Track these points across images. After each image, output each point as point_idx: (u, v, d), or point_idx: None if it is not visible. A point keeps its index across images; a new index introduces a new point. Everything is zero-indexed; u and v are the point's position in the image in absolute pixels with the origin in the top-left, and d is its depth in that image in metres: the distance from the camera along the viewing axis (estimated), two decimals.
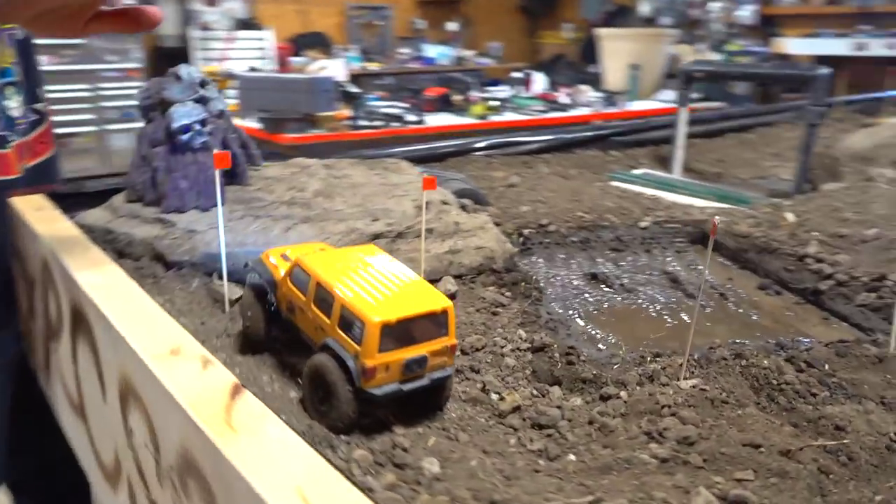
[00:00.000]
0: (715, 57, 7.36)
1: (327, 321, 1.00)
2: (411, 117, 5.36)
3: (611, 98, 6.50)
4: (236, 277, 1.39)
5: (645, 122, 2.96)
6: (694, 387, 1.06)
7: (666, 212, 1.96)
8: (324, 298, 1.01)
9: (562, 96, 6.55)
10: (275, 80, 4.94)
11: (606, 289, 1.63)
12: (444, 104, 6.15)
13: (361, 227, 1.54)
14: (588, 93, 6.65)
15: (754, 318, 1.46)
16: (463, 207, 1.82)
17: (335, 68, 5.84)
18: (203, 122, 1.54)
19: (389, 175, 1.90)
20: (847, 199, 1.91)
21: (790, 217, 1.83)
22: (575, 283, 1.65)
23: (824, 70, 2.16)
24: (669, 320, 1.45)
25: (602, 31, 7.36)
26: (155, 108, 1.58)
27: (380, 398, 0.96)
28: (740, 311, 1.50)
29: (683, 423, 0.98)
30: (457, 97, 6.28)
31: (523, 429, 1.04)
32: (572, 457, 0.98)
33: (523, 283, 1.48)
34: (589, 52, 8.87)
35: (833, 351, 1.18)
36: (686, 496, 0.87)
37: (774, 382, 1.09)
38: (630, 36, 7.17)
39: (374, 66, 8.69)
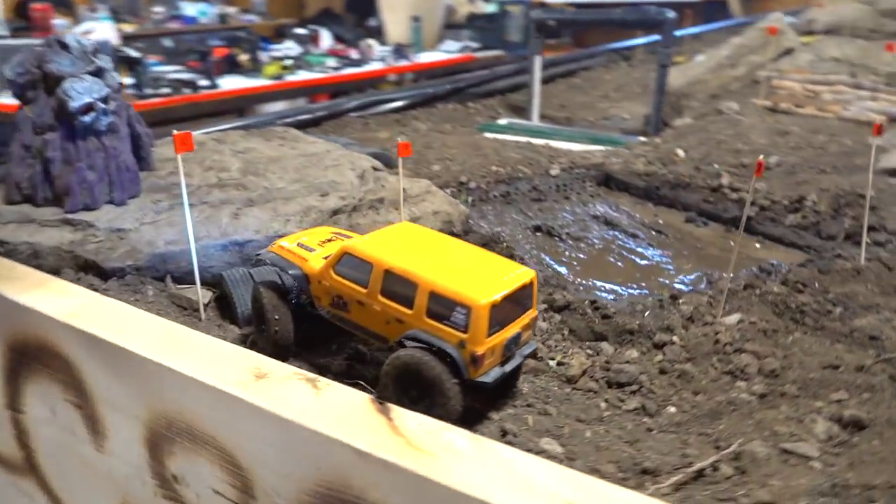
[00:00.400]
0: (487, 6, 7.62)
1: (407, 311, 0.88)
2: (203, 82, 4.90)
3: (400, 51, 6.45)
4: (191, 279, 1.19)
5: (492, 72, 2.99)
6: (741, 321, 1.10)
7: (567, 158, 2.01)
8: (398, 287, 0.89)
9: (352, 52, 6.38)
10: None
11: (556, 239, 1.64)
12: (230, 65, 5.70)
13: (316, 204, 1.38)
14: (376, 47, 6.55)
15: (703, 249, 1.55)
16: (377, 170, 1.72)
17: (104, 31, 5.14)
18: (105, 99, 1.28)
19: (298, 145, 1.73)
20: (725, 131, 2.09)
21: (680, 153, 1.96)
22: (524, 237, 1.64)
23: (671, 14, 2.32)
24: (636, 260, 1.50)
25: None
26: (35, 84, 1.28)
27: (490, 385, 0.88)
28: (686, 244, 1.58)
29: (759, 357, 1.02)
30: (243, 57, 5.86)
31: (603, 391, 1.02)
32: (672, 408, 0.97)
33: (504, 244, 1.43)
34: (356, 4, 8.71)
35: (815, 269, 1.29)
36: (802, 425, 0.90)
37: (793, 306, 1.17)
38: None
39: (128, 28, 7.82)
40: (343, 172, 1.52)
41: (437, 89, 2.72)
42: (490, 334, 0.86)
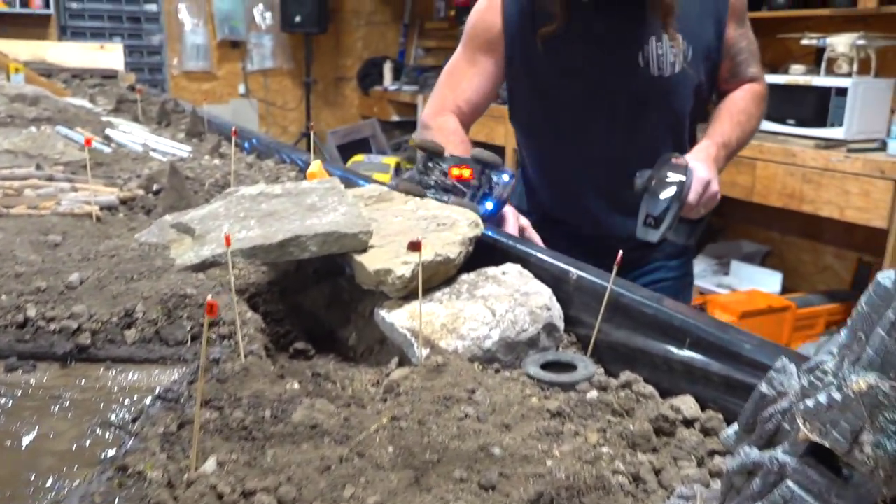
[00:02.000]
0: None
1: None
2: None
3: None
4: None
5: None
6: (220, 463, 1.09)
7: None
8: None
9: None
10: None
11: None
12: None
13: None
14: None
15: (63, 397, 1.38)
16: None
17: None
18: None
19: None
20: None
21: None
22: None
23: None
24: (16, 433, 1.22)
25: None
26: None
27: None
28: (35, 398, 1.38)
29: (269, 491, 1.04)
30: None
31: None
32: None
33: None
34: None
35: (213, 380, 1.34)
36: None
37: (236, 427, 1.21)
38: None
39: None
40: None
41: None
42: None
